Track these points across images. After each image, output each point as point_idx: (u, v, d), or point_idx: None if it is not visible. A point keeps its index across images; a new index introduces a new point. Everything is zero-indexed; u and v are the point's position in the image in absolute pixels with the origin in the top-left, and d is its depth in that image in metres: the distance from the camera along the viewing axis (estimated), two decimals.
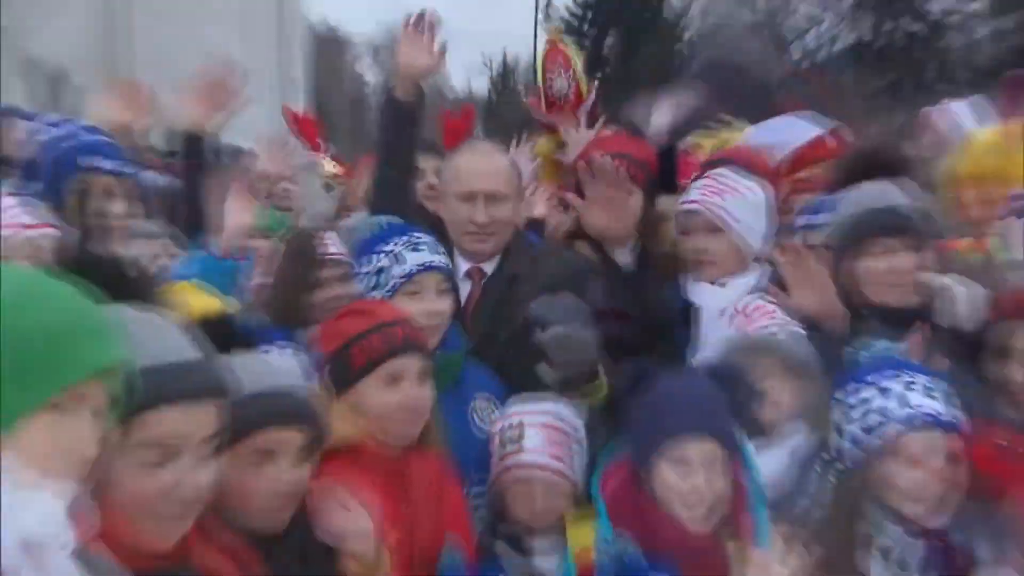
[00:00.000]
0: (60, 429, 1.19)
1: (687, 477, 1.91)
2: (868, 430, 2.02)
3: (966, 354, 2.27)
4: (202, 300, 2.15)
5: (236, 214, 2.88)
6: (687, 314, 2.51)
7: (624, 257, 2.68)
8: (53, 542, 1.13)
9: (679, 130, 3.19)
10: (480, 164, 2.63)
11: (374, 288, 2.24)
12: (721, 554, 1.92)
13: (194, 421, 1.45)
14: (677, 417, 1.96)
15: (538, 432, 2.06)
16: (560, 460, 2.06)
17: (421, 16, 2.67)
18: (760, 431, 2.12)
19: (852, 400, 2.05)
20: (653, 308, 2.60)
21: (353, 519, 1.74)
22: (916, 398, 1.97)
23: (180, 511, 1.47)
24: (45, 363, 1.20)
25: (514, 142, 3.61)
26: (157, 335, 1.48)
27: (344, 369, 1.96)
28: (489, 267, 2.57)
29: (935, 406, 1.96)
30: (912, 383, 2.01)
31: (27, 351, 1.17)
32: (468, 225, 2.49)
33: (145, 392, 1.31)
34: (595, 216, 2.63)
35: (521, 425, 2.07)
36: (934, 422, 1.94)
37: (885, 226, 2.39)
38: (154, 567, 1.43)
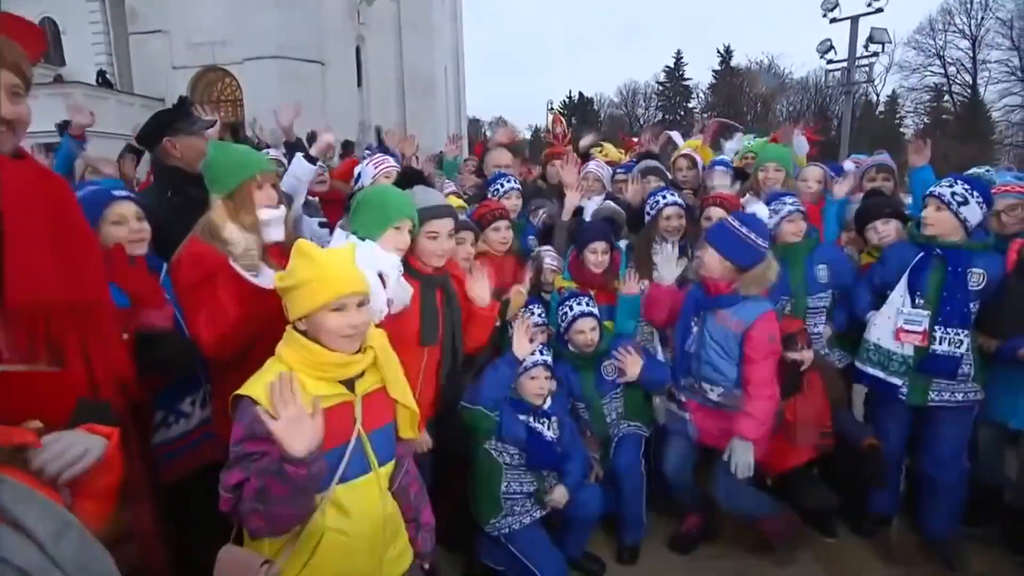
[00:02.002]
0: (395, 237, 1.89)
1: (594, 255, 2.71)
2: (651, 210, 2.86)
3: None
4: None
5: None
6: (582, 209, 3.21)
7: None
8: (392, 272, 1.80)
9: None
10: (499, 156, 3.64)
11: (494, 195, 3.01)
12: (608, 283, 2.74)
13: (444, 225, 2.03)
14: (591, 234, 2.76)
15: None
16: None
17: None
18: (619, 237, 2.96)
19: (651, 201, 2.88)
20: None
21: (479, 286, 2.20)
22: (668, 196, 2.83)
23: (444, 254, 2.05)
24: (393, 213, 1.88)
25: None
26: (430, 195, 2.11)
27: (479, 223, 2.65)
28: None
29: (676, 199, 2.83)
30: (666, 192, 2.88)
31: (386, 209, 1.88)
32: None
33: (425, 215, 1.97)
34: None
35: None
36: (675, 203, 2.82)
37: (651, 171, 3.46)
38: (431, 274, 2.05)
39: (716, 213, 2.84)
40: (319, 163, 2.92)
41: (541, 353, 2.33)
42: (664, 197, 2.86)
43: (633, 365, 2.49)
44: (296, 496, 1.22)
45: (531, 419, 2.32)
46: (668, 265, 2.59)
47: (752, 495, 2.48)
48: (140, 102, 19.17)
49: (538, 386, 2.32)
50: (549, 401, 2.39)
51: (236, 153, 1.88)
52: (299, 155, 2.72)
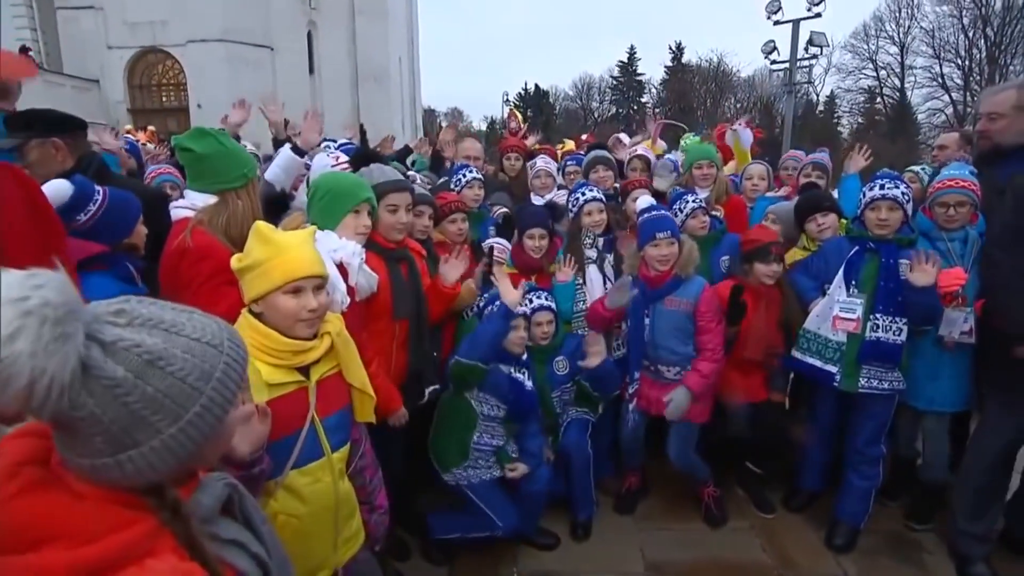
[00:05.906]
0: (355, 221, 1.88)
1: (532, 240, 2.78)
2: (574, 206, 2.93)
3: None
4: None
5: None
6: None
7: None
8: (354, 260, 1.78)
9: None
10: (470, 146, 3.85)
11: (456, 186, 3.03)
12: (545, 267, 2.81)
13: (402, 198, 2.08)
14: (529, 220, 2.83)
15: None
16: None
17: None
18: (557, 222, 2.96)
19: (572, 199, 2.97)
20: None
21: (452, 267, 2.26)
22: (587, 193, 2.92)
23: (402, 229, 2.10)
24: (349, 198, 1.88)
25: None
26: (385, 171, 2.14)
27: (439, 215, 2.64)
28: None
29: (595, 195, 2.91)
30: (585, 189, 2.95)
31: (344, 194, 1.88)
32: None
33: (383, 189, 2.03)
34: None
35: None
36: (594, 199, 2.89)
37: (600, 161, 3.57)
38: (393, 249, 2.09)
39: (644, 199, 2.93)
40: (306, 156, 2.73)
41: (530, 302, 2.45)
42: (583, 194, 2.93)
43: (596, 356, 2.52)
44: None
45: (512, 369, 2.34)
46: (621, 295, 2.63)
47: (694, 457, 2.75)
48: (72, 83, 17.99)
49: (519, 336, 2.34)
50: (525, 354, 2.44)
51: (239, 148, 1.86)
52: (287, 147, 2.58)
